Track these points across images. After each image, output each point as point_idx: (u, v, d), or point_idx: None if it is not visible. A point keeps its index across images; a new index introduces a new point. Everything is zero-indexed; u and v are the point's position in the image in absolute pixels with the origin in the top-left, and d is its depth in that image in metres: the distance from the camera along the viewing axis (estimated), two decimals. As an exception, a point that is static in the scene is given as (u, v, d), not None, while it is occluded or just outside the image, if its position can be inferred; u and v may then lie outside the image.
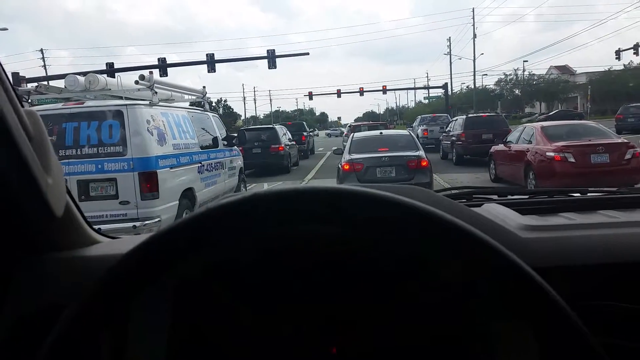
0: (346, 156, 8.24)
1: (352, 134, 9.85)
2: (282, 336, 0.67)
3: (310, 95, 43.16)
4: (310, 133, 26.92)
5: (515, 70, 53.97)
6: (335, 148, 10.88)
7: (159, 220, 5.19)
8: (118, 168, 5.12)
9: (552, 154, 8.25)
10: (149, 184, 5.14)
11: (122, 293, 0.49)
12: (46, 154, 0.70)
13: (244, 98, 78.21)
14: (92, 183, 5.14)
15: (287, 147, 16.15)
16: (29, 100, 5.93)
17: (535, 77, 52.38)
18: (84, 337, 0.48)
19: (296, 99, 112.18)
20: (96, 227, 3.88)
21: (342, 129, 38.34)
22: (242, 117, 70.70)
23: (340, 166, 8.26)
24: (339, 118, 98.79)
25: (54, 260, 0.80)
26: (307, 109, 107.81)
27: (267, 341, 0.67)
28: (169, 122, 5.95)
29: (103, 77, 5.91)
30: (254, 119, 73.80)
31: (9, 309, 0.74)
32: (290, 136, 17.94)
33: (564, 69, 55.25)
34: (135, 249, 0.48)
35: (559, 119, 19.48)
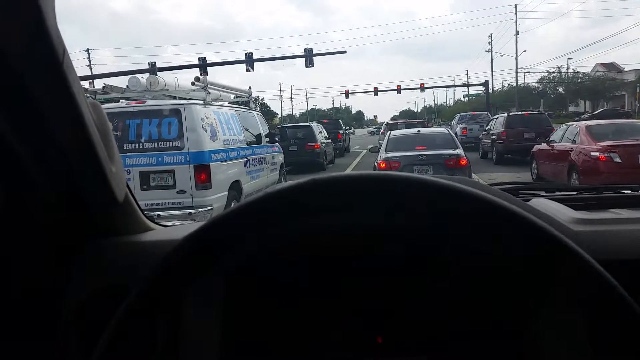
0: (382, 154, 8.23)
1: (388, 132, 9.89)
2: (328, 325, 0.68)
3: (347, 94, 43.25)
4: (347, 131, 27.03)
5: (559, 67, 52.48)
6: (371, 146, 10.91)
7: (211, 208, 5.72)
8: (176, 161, 5.68)
9: (597, 153, 8.07)
10: (203, 176, 5.67)
11: (179, 277, 0.49)
12: (109, 144, 0.73)
13: (281, 96, 79.41)
14: (153, 174, 5.72)
15: (323, 145, 16.43)
16: (95, 98, 6.59)
17: (580, 75, 50.72)
18: (144, 320, 0.49)
19: (332, 97, 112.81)
20: (156, 213, 4.52)
21: (372, 129, 38.27)
22: (279, 116, 71.71)
23: (376, 164, 8.27)
24: (375, 116, 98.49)
25: (114, 244, 0.84)
26: (343, 107, 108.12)
27: (314, 329, 0.68)
28: (220, 119, 6.47)
29: (162, 79, 6.50)
30: (291, 117, 74.76)
31: (73, 289, 0.78)
32: (326, 134, 18.16)
33: (611, 67, 53.16)
34: (192, 235, 0.49)
35: (604, 118, 18.94)
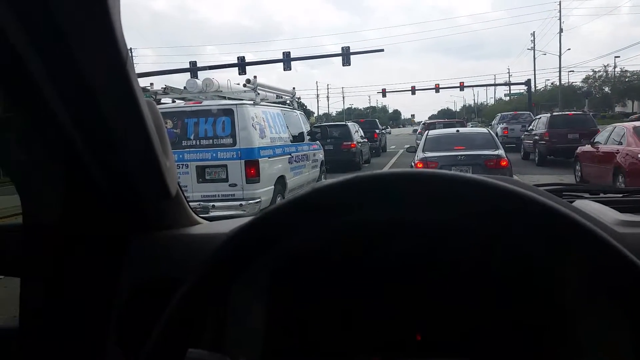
0: (420, 154, 8.14)
1: (426, 132, 9.74)
2: (368, 321, 0.68)
3: (384, 92, 42.74)
4: (383, 130, 26.75)
5: (605, 66, 50.55)
6: (408, 146, 10.70)
7: (259, 201, 6.24)
8: (228, 156, 6.24)
9: None
10: (253, 170, 6.20)
11: (228, 270, 0.50)
12: (164, 139, 0.75)
13: (317, 95, 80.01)
14: (208, 168, 6.30)
15: (359, 144, 16.38)
16: (156, 98, 7.24)
17: (628, 74, 48.70)
18: (198, 308, 0.50)
19: (369, 96, 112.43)
20: (210, 204, 5.00)
21: (417, 127, 37.88)
22: (315, 114, 72.18)
23: (413, 164, 8.15)
24: (413, 115, 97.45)
25: (165, 237, 0.86)
26: (380, 106, 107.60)
27: (354, 325, 0.69)
28: (267, 118, 6.99)
29: (216, 80, 7.09)
30: (327, 116, 75.14)
31: (125, 279, 0.80)
32: (362, 133, 17.98)
33: (663, 65, 50.61)
34: (242, 229, 0.50)
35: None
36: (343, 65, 25.30)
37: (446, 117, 70.15)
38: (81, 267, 0.78)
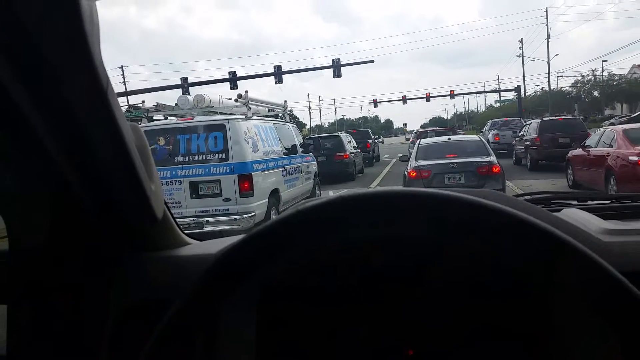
0: (412, 163, 8.13)
1: (418, 141, 9.76)
2: (359, 337, 0.69)
3: (375, 103, 43.09)
4: (375, 140, 26.87)
5: (593, 70, 51.27)
6: (401, 155, 10.73)
7: (253, 215, 6.23)
8: (222, 171, 6.24)
9: (635, 158, 7.84)
10: (246, 184, 6.20)
11: (218, 291, 0.51)
12: (149, 163, 0.75)
13: (309, 107, 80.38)
14: (201, 184, 6.29)
15: (352, 154, 16.39)
16: (148, 115, 7.26)
17: (616, 77, 49.37)
18: (186, 330, 0.50)
19: (361, 107, 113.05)
20: (204, 219, 5.01)
21: (409, 136, 38.15)
22: (308, 126, 72.40)
23: (406, 173, 8.16)
24: (405, 124, 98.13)
25: (153, 259, 0.86)
26: (372, 116, 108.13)
27: (345, 341, 0.69)
28: (260, 132, 7.01)
29: (207, 96, 7.11)
30: (319, 127, 75.41)
31: (115, 302, 0.80)
32: (355, 144, 18.02)
33: (649, 68, 51.50)
34: (229, 250, 0.50)
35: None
36: (334, 77, 25.53)
37: (438, 125, 70.66)
38: (69, 291, 0.78)
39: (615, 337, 0.48)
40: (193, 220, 6.03)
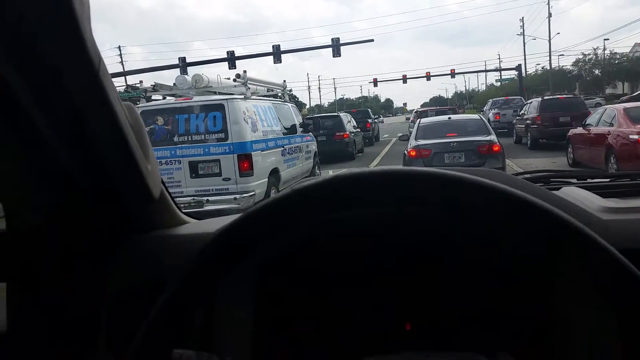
0: (412, 142, 8.05)
1: (418, 120, 9.68)
2: (357, 312, 0.69)
3: (375, 82, 42.68)
4: (375, 120, 26.80)
5: (594, 49, 50.73)
6: (401, 134, 10.66)
7: (253, 194, 6.26)
8: (221, 151, 6.24)
9: (635, 136, 7.78)
10: (246, 164, 6.21)
11: (213, 270, 0.50)
12: (144, 143, 0.75)
13: (309, 87, 79.80)
14: (201, 163, 6.30)
15: (352, 134, 16.29)
16: (146, 95, 7.22)
17: (618, 56, 48.89)
18: (183, 309, 0.50)
19: (360, 86, 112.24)
20: (204, 199, 5.03)
21: (409, 115, 38.08)
22: (307, 106, 72.01)
23: (406, 152, 8.09)
24: (405, 104, 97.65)
25: (151, 238, 0.86)
26: (372, 95, 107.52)
27: (343, 316, 0.69)
28: (259, 112, 6.98)
29: (206, 76, 7.06)
30: (319, 107, 75.00)
31: (113, 281, 0.80)
32: (355, 123, 17.87)
33: (652, 45, 50.98)
34: (225, 229, 0.49)
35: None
36: (333, 56, 25.25)
37: (438, 104, 70.23)
38: (68, 271, 0.78)
39: (614, 315, 0.48)
40: (193, 199, 6.06)
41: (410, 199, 0.49)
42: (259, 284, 0.65)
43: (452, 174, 0.48)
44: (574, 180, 1.21)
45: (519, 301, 0.64)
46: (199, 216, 1.03)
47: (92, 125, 0.65)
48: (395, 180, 0.49)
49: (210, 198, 6.09)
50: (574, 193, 0.90)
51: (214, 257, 0.51)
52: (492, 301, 0.66)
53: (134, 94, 7.39)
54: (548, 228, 0.46)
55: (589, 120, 10.16)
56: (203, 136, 6.31)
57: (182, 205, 0.99)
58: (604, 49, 49.91)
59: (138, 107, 5.19)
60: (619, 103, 13.04)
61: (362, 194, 0.49)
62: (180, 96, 6.98)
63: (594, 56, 49.89)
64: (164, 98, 7.26)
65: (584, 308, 0.53)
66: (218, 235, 0.50)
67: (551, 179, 1.21)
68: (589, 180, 1.22)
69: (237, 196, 6.14)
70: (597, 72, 50.51)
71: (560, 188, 0.99)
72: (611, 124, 8.84)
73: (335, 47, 25.07)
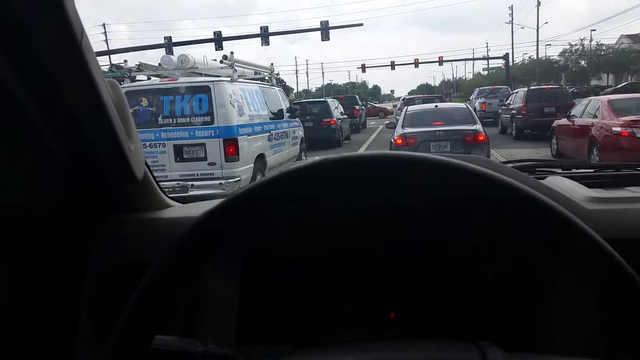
0: (399, 130, 8.11)
1: (405, 108, 9.71)
2: (341, 300, 0.69)
3: (363, 68, 42.61)
4: (363, 106, 26.75)
5: (581, 40, 51.18)
6: (388, 122, 10.66)
7: (239, 179, 6.18)
8: (206, 135, 6.13)
9: (618, 129, 7.85)
10: (232, 149, 6.13)
11: (197, 254, 0.50)
12: (128, 122, 0.73)
13: (297, 71, 79.12)
14: (186, 147, 6.19)
15: (339, 120, 16.24)
16: (130, 75, 7.04)
17: (604, 47, 49.40)
18: (164, 294, 0.50)
19: (348, 72, 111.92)
20: (189, 183, 4.93)
21: (396, 103, 38.19)
22: (295, 91, 71.52)
23: (392, 140, 8.16)
24: (392, 91, 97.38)
25: (134, 221, 0.85)
26: (360, 81, 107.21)
27: (327, 305, 0.69)
28: (246, 96, 6.87)
29: (192, 57, 6.90)
30: (306, 92, 74.57)
31: (93, 264, 0.79)
32: (342, 110, 17.84)
33: (637, 38, 51.51)
34: (209, 213, 0.49)
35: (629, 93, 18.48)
36: (322, 40, 25.12)
37: (425, 92, 70.49)
38: (49, 250, 0.76)
39: (596, 303, 0.49)
40: (177, 184, 5.97)
41: (401, 184, 0.48)
42: (244, 269, 0.63)
43: (447, 160, 0.47)
44: (559, 170, 1.22)
45: (504, 289, 0.64)
46: (184, 200, 1.02)
47: (73, 100, 0.63)
48: (386, 164, 0.48)
49: (195, 183, 6.00)
50: (559, 182, 0.91)
51: (197, 241, 0.50)
52: (478, 291, 0.65)
53: (118, 73, 7.19)
54: (538, 217, 0.47)
55: (573, 112, 10.26)
56: (188, 119, 6.19)
57: (166, 189, 0.98)
58: (591, 40, 50.40)
59: (122, 87, 5.04)
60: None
61: (351, 177, 0.48)
62: (165, 77, 6.81)
63: (581, 47, 50.35)
64: (149, 78, 7.09)
65: (567, 296, 0.53)
66: (201, 219, 0.49)
67: (536, 168, 1.21)
68: (573, 171, 1.22)
69: (223, 181, 6.07)
70: (583, 63, 51.01)
71: (545, 177, 0.99)
72: (595, 116, 8.94)
73: (324, 30, 24.90)
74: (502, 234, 0.53)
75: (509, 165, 1.18)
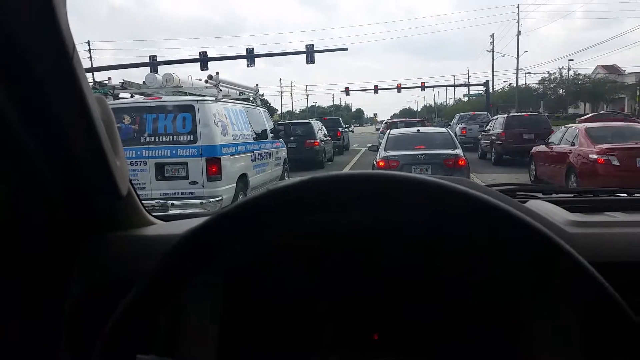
0: (381, 153, 8.23)
1: (388, 131, 9.86)
2: (325, 321, 0.68)
3: (347, 91, 43.19)
4: (346, 129, 26.95)
5: (559, 69, 52.87)
6: (370, 145, 10.82)
7: (220, 199, 6.13)
8: (189, 154, 6.09)
9: (595, 156, 7.98)
10: (214, 168, 6.09)
11: (180, 273, 0.49)
12: (114, 137, 0.72)
13: (281, 93, 79.65)
14: (167, 165, 6.13)
15: (322, 142, 16.36)
16: (114, 93, 7.00)
17: (581, 77, 51.03)
18: (146, 313, 0.49)
19: (332, 95, 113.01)
20: (169, 202, 4.85)
21: (379, 126, 38.64)
22: (279, 112, 71.81)
23: (375, 163, 8.25)
24: (375, 114, 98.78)
25: (117, 238, 0.84)
26: (344, 104, 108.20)
27: (310, 325, 0.68)
28: (230, 115, 6.87)
29: (177, 76, 6.91)
30: (290, 113, 74.91)
31: (77, 282, 0.78)
32: (325, 131, 17.93)
33: (612, 69, 53.46)
34: (192, 232, 0.48)
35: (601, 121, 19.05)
36: (307, 63, 25.33)
37: (407, 116, 71.33)
38: (30, 271, 0.75)
39: (579, 324, 0.49)
40: (157, 202, 5.89)
41: (392, 204, 0.48)
42: (226, 287, 0.64)
43: (437, 182, 0.48)
44: (540, 195, 1.24)
45: (488, 310, 0.64)
46: (166, 218, 1.01)
47: (62, 114, 0.63)
48: (374, 184, 0.48)
49: (175, 202, 5.92)
50: (540, 206, 0.92)
51: (181, 259, 0.50)
52: (461, 312, 0.66)
53: (102, 90, 7.14)
54: (523, 238, 0.47)
55: (551, 139, 10.47)
56: (171, 137, 6.15)
57: (146, 208, 0.97)
58: (569, 69, 52.07)
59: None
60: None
61: (339, 196, 0.48)
62: (149, 95, 6.80)
63: (559, 76, 51.94)
64: (132, 96, 7.05)
65: (551, 317, 0.54)
66: (187, 236, 0.49)
67: (517, 192, 1.23)
68: (553, 195, 1.24)
69: (204, 201, 6.01)
70: (561, 91, 52.52)
71: (527, 202, 1.01)
72: (573, 143, 9.13)
73: (310, 53, 25.15)
74: (488, 254, 0.54)
75: (493, 188, 1.22)
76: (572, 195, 1.25)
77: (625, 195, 1.20)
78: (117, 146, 0.74)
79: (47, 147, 0.67)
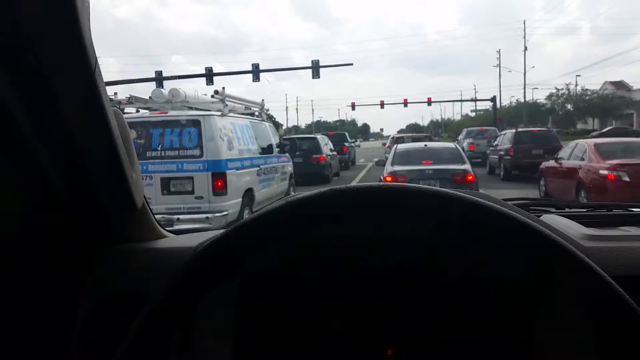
0: (389, 168, 8.22)
1: (395, 146, 9.86)
2: (339, 336, 0.67)
3: (353, 106, 43.42)
4: (352, 144, 27.05)
5: (567, 84, 52.75)
6: (377, 159, 10.83)
7: (226, 214, 6.09)
8: (195, 168, 6.08)
9: (605, 172, 7.97)
10: (220, 183, 6.06)
11: (196, 286, 0.49)
12: (130, 151, 0.73)
13: (287, 107, 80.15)
14: (173, 180, 6.12)
15: (328, 157, 16.35)
16: (120, 108, 7.02)
17: (589, 92, 50.90)
18: (161, 326, 0.49)
19: (338, 109, 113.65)
20: (175, 217, 4.82)
21: (385, 141, 38.67)
22: (284, 127, 72.21)
23: (382, 178, 8.19)
24: (382, 129, 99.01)
25: (131, 250, 0.85)
26: (349, 119, 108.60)
27: (325, 340, 0.67)
28: (236, 130, 6.87)
29: (183, 90, 6.94)
30: (296, 128, 75.27)
31: (89, 293, 0.78)
32: (331, 146, 17.96)
33: (620, 85, 53.34)
34: (210, 244, 0.48)
35: (613, 137, 18.95)
36: (312, 78, 25.43)
37: (414, 131, 71.41)
38: (43, 282, 0.75)
39: (594, 336, 0.49)
40: (163, 217, 5.85)
41: (412, 217, 0.48)
42: (241, 300, 0.64)
43: (462, 195, 0.48)
44: (553, 209, 1.24)
45: (501, 323, 0.65)
46: (176, 232, 1.02)
47: (81, 126, 0.64)
48: (394, 196, 0.48)
49: (181, 216, 5.88)
50: (554, 221, 0.93)
51: (198, 272, 0.50)
52: (475, 326, 0.66)
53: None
54: (542, 250, 0.48)
55: (560, 154, 10.43)
56: (177, 152, 6.14)
57: None
58: (576, 85, 51.98)
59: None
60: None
61: (358, 207, 0.49)
62: (155, 110, 6.82)
63: (567, 91, 51.82)
64: (138, 111, 7.07)
65: (565, 329, 0.54)
66: (204, 249, 0.49)
67: (530, 207, 1.23)
68: (567, 210, 1.25)
69: (210, 215, 5.96)
70: (569, 107, 52.35)
71: (541, 216, 1.01)
72: (582, 159, 9.09)
73: (315, 68, 25.29)
74: (504, 266, 0.54)
75: (508, 202, 1.22)
76: (585, 209, 1.25)
77: (638, 210, 1.21)
78: (133, 160, 0.76)
79: (66, 159, 0.67)
